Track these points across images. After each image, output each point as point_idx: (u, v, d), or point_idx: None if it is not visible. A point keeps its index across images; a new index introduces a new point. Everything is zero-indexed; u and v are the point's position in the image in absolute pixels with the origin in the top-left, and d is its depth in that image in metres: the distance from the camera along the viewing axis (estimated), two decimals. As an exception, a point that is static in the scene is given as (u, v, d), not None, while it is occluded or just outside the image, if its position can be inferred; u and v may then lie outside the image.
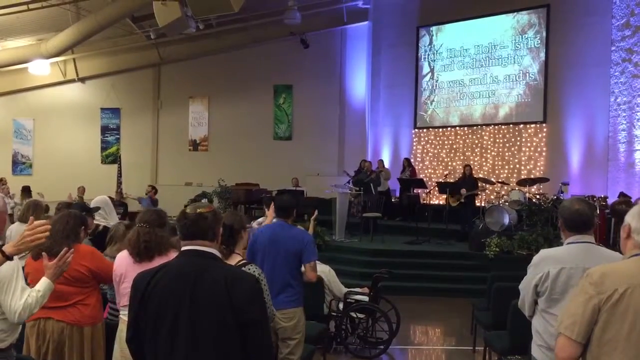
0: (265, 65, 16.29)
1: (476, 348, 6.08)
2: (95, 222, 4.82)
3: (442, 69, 14.50)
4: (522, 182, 11.14)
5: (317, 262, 4.11)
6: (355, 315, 6.01)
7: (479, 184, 11.46)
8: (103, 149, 17.26)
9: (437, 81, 14.60)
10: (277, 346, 3.83)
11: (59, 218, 3.47)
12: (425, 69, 14.82)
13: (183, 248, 2.19)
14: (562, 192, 10.58)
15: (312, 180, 14.65)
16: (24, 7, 12.10)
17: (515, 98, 13.28)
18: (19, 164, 17.24)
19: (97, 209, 5.08)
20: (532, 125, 13.00)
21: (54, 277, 2.82)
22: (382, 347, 6.03)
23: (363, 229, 11.01)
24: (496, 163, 13.47)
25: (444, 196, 11.64)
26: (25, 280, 2.90)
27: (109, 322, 3.70)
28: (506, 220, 9.80)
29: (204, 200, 12.16)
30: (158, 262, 2.93)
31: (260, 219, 6.05)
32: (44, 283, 2.78)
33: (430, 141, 14.67)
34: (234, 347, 2.05)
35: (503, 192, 11.54)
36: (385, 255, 9.84)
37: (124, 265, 3.34)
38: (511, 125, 13.30)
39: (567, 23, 12.41)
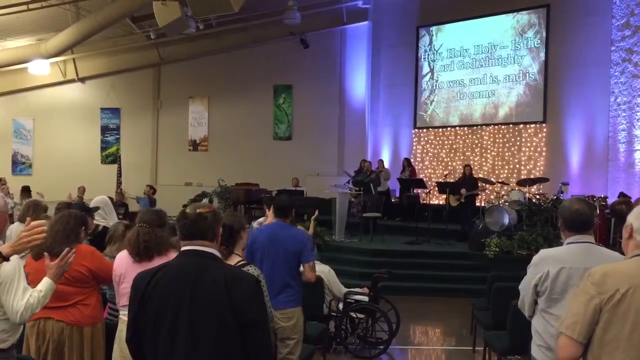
0: (265, 65, 16.29)
1: (476, 348, 6.08)
2: (94, 222, 4.81)
3: (442, 69, 14.50)
4: (522, 182, 11.14)
5: (317, 262, 4.11)
6: (355, 316, 6.02)
7: (479, 184, 11.46)
8: (103, 149, 17.25)
9: (437, 81, 14.60)
10: (276, 346, 3.83)
11: (59, 218, 3.47)
12: (425, 69, 14.82)
13: (183, 248, 2.19)
14: (562, 192, 10.58)
15: (312, 180, 14.65)
16: (24, 7, 12.09)
17: (515, 98, 13.28)
18: (19, 164, 17.23)
19: (97, 209, 5.08)
20: (532, 125, 13.00)
21: (55, 277, 2.83)
22: (382, 347, 6.03)
23: (363, 229, 11.01)
24: (496, 163, 13.47)
25: (444, 196, 11.64)
26: (25, 280, 2.90)
27: (108, 322, 3.70)
28: (506, 220, 9.80)
29: (205, 200, 12.17)
30: (158, 262, 2.92)
31: (260, 219, 6.04)
32: (45, 283, 2.79)
33: (430, 141, 14.67)
34: (233, 347, 2.05)
35: (503, 192, 11.54)
36: (385, 255, 9.84)
37: (123, 265, 3.34)
38: (511, 125, 13.30)
39: (567, 23, 12.41)
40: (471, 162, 12.94)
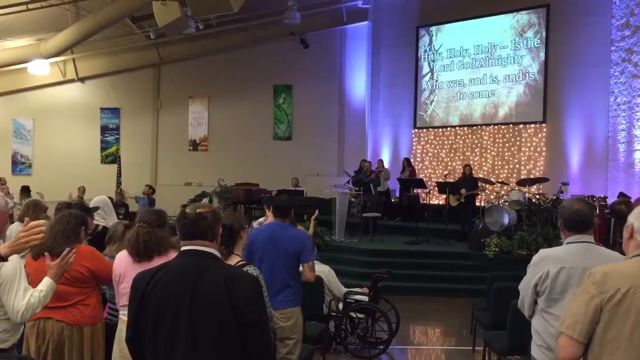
0: (265, 65, 16.29)
1: (476, 348, 6.08)
2: (94, 222, 4.81)
3: (442, 69, 14.50)
4: (521, 182, 11.14)
5: (317, 262, 4.11)
6: (355, 315, 6.02)
7: (479, 184, 11.46)
8: (103, 149, 17.25)
9: (436, 81, 14.60)
10: (275, 346, 3.83)
11: (59, 218, 3.47)
12: (425, 69, 14.82)
13: (183, 248, 2.19)
14: (561, 192, 10.58)
15: (312, 180, 14.64)
16: (24, 7, 12.09)
17: (515, 98, 13.28)
18: (19, 164, 17.23)
19: (97, 209, 5.08)
20: (532, 125, 13.00)
21: (56, 277, 2.83)
22: (381, 347, 6.03)
23: (363, 229, 11.01)
24: (496, 163, 13.47)
25: (444, 196, 11.64)
26: (26, 280, 2.90)
27: (108, 322, 3.70)
28: (506, 220, 9.80)
29: (205, 200, 12.17)
30: (157, 262, 2.92)
31: (261, 219, 6.04)
32: (46, 283, 2.79)
33: (430, 141, 14.67)
34: (233, 347, 2.05)
35: (503, 192, 11.54)
36: (385, 255, 9.84)
37: (123, 265, 3.34)
38: (511, 125, 13.30)
39: (567, 23, 12.41)
40: (471, 162, 12.94)
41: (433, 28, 14.65)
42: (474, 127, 13.89)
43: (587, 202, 2.94)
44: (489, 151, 13.59)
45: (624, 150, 11.73)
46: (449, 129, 14.35)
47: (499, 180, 12.22)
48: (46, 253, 2.90)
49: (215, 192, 13.60)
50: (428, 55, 14.76)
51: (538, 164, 12.83)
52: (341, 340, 6.00)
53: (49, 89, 17.01)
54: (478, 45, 13.84)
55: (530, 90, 13.06)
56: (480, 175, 12.68)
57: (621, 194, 10.04)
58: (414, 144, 14.89)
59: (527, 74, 13.10)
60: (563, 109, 12.56)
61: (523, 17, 13.21)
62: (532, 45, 13.04)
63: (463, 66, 14.11)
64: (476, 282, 8.45)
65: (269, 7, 14.79)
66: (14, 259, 2.65)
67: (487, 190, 12.19)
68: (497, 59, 13.57)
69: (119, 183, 15.12)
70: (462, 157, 13.89)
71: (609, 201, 9.98)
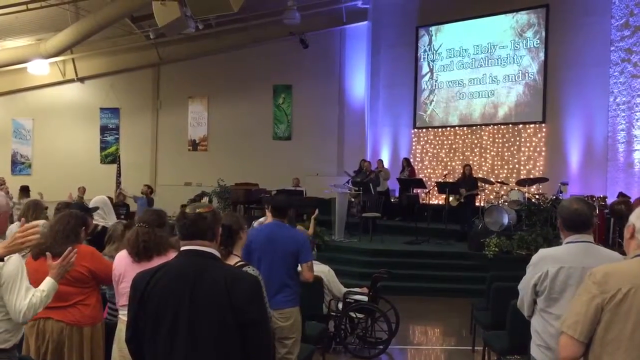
0: (265, 65, 16.28)
1: (475, 348, 6.08)
2: (94, 222, 4.81)
3: (442, 69, 14.50)
4: (521, 182, 11.14)
5: (316, 262, 4.11)
6: (354, 315, 6.02)
7: (479, 184, 11.46)
8: (102, 149, 17.25)
9: (436, 81, 14.60)
10: (274, 346, 3.83)
11: (59, 218, 3.47)
12: (425, 68, 14.82)
13: (182, 248, 2.18)
14: (561, 192, 10.59)
15: (312, 180, 14.65)
16: (23, 7, 12.09)
17: (514, 98, 13.29)
18: (18, 164, 17.23)
19: (96, 209, 5.08)
20: (532, 125, 13.01)
21: (58, 277, 2.83)
22: (381, 347, 6.03)
23: (362, 229, 11.01)
24: (495, 163, 13.47)
25: (444, 196, 11.64)
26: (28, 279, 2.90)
27: (108, 322, 3.70)
28: (505, 220, 9.80)
29: (204, 200, 12.17)
30: (157, 262, 2.92)
31: (261, 219, 6.05)
32: (48, 283, 2.79)
33: (429, 141, 14.67)
34: (233, 347, 2.05)
35: (502, 192, 11.55)
36: (385, 255, 9.84)
37: (122, 265, 3.34)
38: (510, 125, 13.31)
39: (567, 23, 12.42)
40: (470, 162, 12.95)
41: (433, 28, 14.65)
42: (474, 127, 13.89)
43: (587, 202, 2.94)
44: (488, 151, 13.60)
45: (623, 150, 11.74)
46: (448, 129, 14.35)
47: (499, 180, 12.23)
48: (48, 253, 2.91)
49: (214, 192, 13.60)
50: (428, 55, 14.76)
51: (537, 164, 12.83)
52: (341, 340, 6.01)
53: (48, 89, 17.01)
54: (477, 45, 13.85)
55: (529, 90, 13.07)
56: (480, 175, 12.68)
57: (621, 194, 10.04)
58: (414, 143, 14.90)
59: (526, 74, 13.11)
60: (562, 109, 12.57)
61: (522, 17, 13.22)
62: (532, 45, 13.04)
63: (463, 66, 14.12)
64: (476, 282, 8.45)
65: (269, 7, 14.79)
66: (15, 258, 2.65)
67: (486, 190, 12.20)
68: (497, 59, 13.58)
69: (118, 183, 15.12)
70: (461, 157, 13.90)
71: (609, 201, 9.99)
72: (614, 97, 11.87)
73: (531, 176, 12.02)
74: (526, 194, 10.76)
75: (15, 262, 2.64)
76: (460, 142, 14.11)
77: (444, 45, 14.45)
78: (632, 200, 8.58)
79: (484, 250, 9.30)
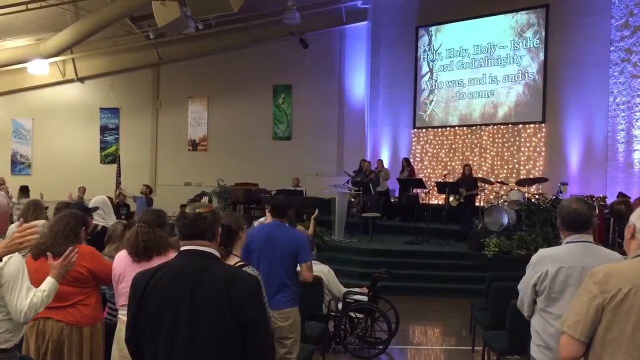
0: (265, 65, 16.28)
1: (475, 348, 6.08)
2: (94, 222, 4.81)
3: (441, 69, 14.50)
4: (521, 182, 11.15)
5: (316, 262, 4.11)
6: (354, 315, 6.02)
7: (478, 184, 11.47)
8: (102, 149, 17.25)
9: (436, 81, 14.60)
10: (273, 346, 3.83)
11: (59, 218, 3.47)
12: (425, 68, 14.82)
13: (182, 248, 2.18)
14: (561, 192, 10.59)
15: (312, 180, 14.65)
16: (23, 7, 12.09)
17: (514, 98, 13.29)
18: (18, 164, 17.23)
19: (96, 209, 5.07)
20: (531, 125, 13.01)
21: (59, 277, 2.84)
22: (381, 347, 6.03)
23: (362, 229, 11.01)
24: (495, 163, 13.48)
25: (443, 196, 11.64)
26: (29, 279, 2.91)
27: (108, 322, 3.70)
28: (505, 220, 9.80)
29: (204, 200, 12.17)
30: (157, 262, 2.92)
31: (261, 219, 6.05)
32: (49, 283, 2.80)
33: (429, 141, 14.68)
34: (233, 347, 2.05)
35: (502, 192, 11.55)
36: (385, 255, 9.84)
37: (122, 265, 3.34)
38: (510, 125, 13.31)
39: (566, 23, 12.42)
40: (470, 162, 12.95)
41: (432, 28, 14.65)
42: (474, 127, 13.89)
43: (586, 201, 2.94)
44: (488, 151, 13.60)
45: (623, 150, 11.74)
46: (448, 129, 14.35)
47: (498, 180, 12.23)
48: (49, 253, 2.91)
49: (214, 192, 13.60)
50: (427, 55, 14.76)
51: (537, 164, 12.83)
52: (340, 340, 6.01)
53: (48, 89, 17.01)
54: (477, 45, 13.85)
55: (529, 90, 13.07)
56: (480, 175, 12.68)
57: (620, 194, 10.05)
58: (414, 143, 14.90)
59: (526, 74, 13.11)
60: (562, 109, 12.57)
61: (522, 17, 13.22)
62: (532, 45, 13.05)
63: (462, 66, 14.12)
64: (475, 282, 8.45)
65: (269, 7, 14.79)
66: (16, 258, 2.65)
67: (486, 190, 12.19)
68: (497, 59, 13.58)
69: (118, 183, 15.11)
70: (461, 157, 13.90)
71: (608, 201, 9.99)
72: (613, 97, 11.88)
73: (531, 176, 12.03)
74: (526, 194, 10.76)
75: (16, 262, 2.64)
76: (460, 142, 14.11)
77: (443, 45, 14.45)
78: (631, 200, 8.60)
79: (484, 250, 9.30)
